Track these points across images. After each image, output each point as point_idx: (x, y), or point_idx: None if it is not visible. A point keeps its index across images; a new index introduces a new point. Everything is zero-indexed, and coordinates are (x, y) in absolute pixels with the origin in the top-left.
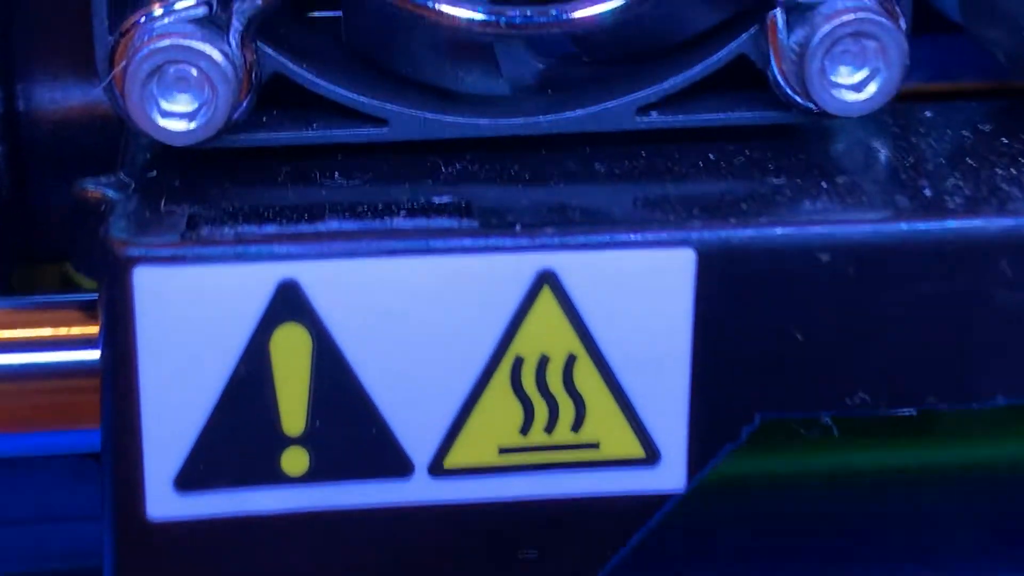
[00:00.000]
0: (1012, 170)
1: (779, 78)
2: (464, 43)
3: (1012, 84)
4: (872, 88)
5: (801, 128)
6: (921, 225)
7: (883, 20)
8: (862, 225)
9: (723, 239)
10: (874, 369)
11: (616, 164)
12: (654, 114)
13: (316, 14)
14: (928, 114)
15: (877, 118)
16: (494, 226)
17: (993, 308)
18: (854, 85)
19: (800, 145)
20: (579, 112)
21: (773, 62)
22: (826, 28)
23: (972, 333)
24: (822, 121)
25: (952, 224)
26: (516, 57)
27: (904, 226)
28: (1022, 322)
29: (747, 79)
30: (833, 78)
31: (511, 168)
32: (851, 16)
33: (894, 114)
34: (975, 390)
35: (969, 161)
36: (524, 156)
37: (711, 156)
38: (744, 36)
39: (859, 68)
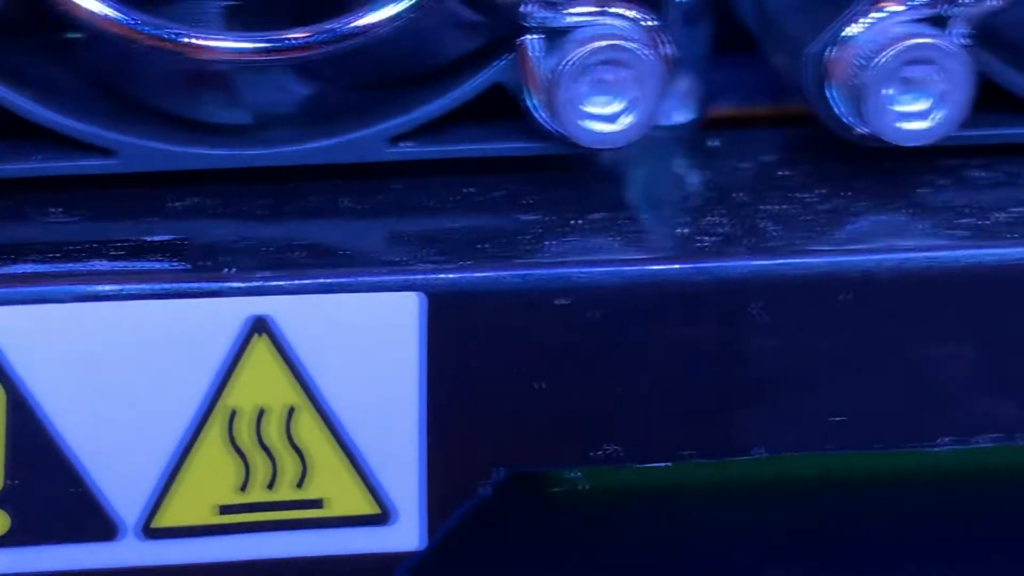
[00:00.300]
0: (779, 206)
1: (533, 107)
2: (208, 70)
3: (804, 109)
4: (627, 120)
5: (577, 159)
6: (665, 267)
7: (639, 48)
8: (603, 267)
9: (451, 282)
10: (624, 420)
11: (365, 199)
12: (407, 144)
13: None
14: (715, 143)
15: (665, 148)
16: (204, 268)
17: (747, 354)
18: (608, 116)
19: (567, 178)
20: (328, 142)
21: (528, 90)
22: (575, 55)
23: (728, 381)
24: (578, 153)
25: (699, 265)
26: (272, 84)
27: (649, 268)
28: (778, 369)
29: (512, 108)
30: (584, 107)
31: (248, 204)
32: (603, 43)
33: (681, 143)
34: (734, 442)
35: (738, 196)
36: (268, 190)
37: (469, 190)
38: (499, 63)
39: (615, 98)
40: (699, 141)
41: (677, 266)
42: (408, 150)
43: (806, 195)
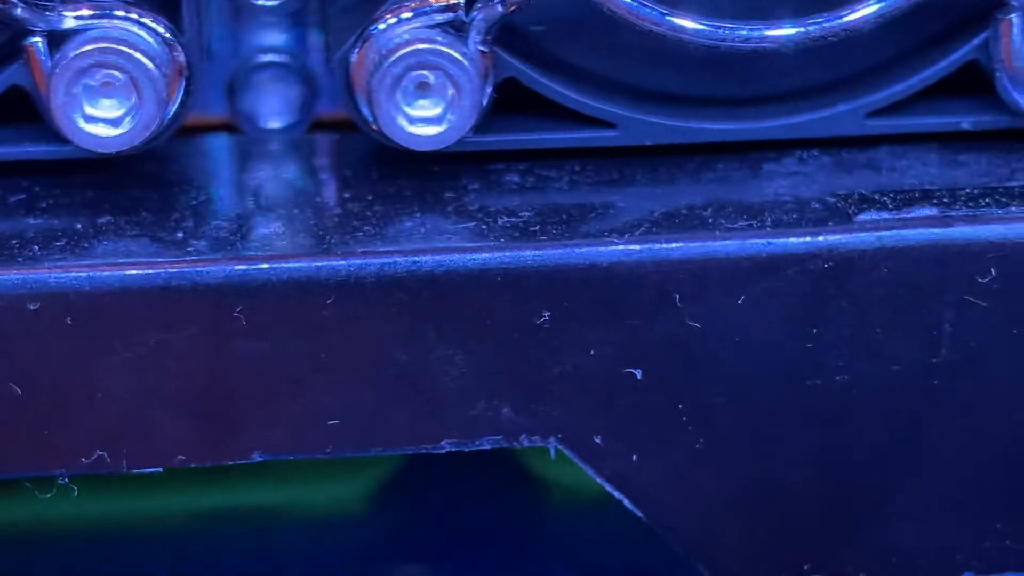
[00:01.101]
0: (293, 210)
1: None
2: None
3: None
4: (128, 124)
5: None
6: (146, 271)
7: (139, 55)
8: (73, 272)
9: None
10: (110, 427)
11: None
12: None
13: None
14: (275, 147)
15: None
16: None
17: (236, 359)
18: (111, 120)
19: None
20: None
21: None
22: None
23: (219, 386)
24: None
25: (184, 271)
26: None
27: (129, 273)
28: (268, 374)
29: None
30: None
31: None
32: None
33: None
34: (230, 446)
35: (254, 201)
36: None
37: None
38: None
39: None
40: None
41: (160, 271)
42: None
43: (328, 200)
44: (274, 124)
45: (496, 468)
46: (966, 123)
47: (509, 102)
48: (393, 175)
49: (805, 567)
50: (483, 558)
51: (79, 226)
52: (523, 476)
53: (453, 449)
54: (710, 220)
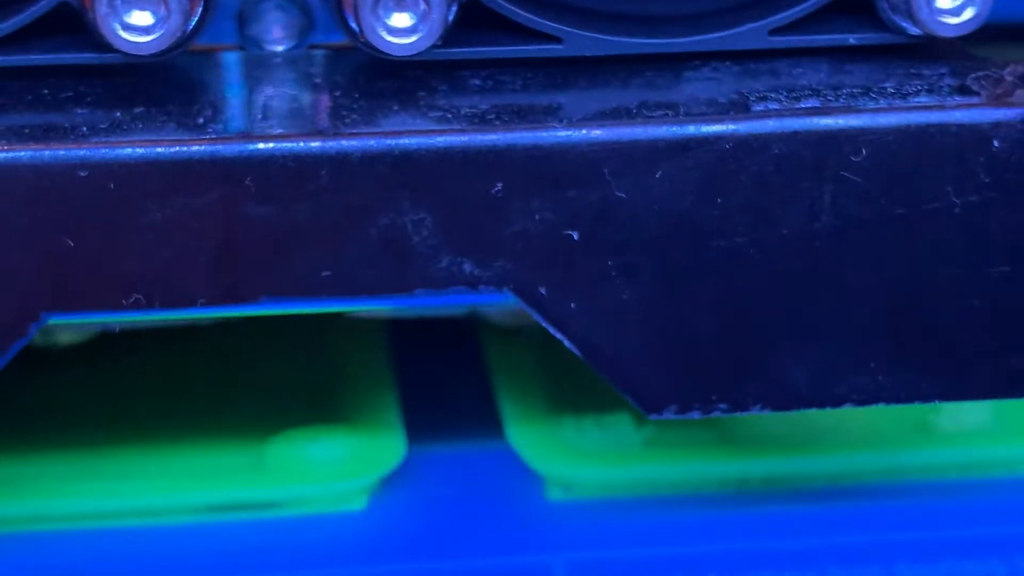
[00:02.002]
0: (293, 104)
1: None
2: None
3: None
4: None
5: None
6: (180, 149)
7: None
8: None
9: None
10: (145, 274)
11: None
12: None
13: None
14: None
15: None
16: None
17: (247, 221)
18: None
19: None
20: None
21: None
22: None
23: (233, 242)
24: None
25: (202, 148)
26: None
27: (168, 150)
28: (274, 233)
29: None
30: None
31: None
32: None
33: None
34: (242, 293)
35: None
36: None
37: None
38: None
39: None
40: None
41: (185, 148)
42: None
43: (322, 97)
44: (277, 48)
45: (496, 466)
46: (853, 39)
47: (474, 20)
48: (376, 80)
49: (712, 397)
50: (483, 555)
51: (118, 114)
52: (523, 474)
53: (425, 297)
54: (635, 112)
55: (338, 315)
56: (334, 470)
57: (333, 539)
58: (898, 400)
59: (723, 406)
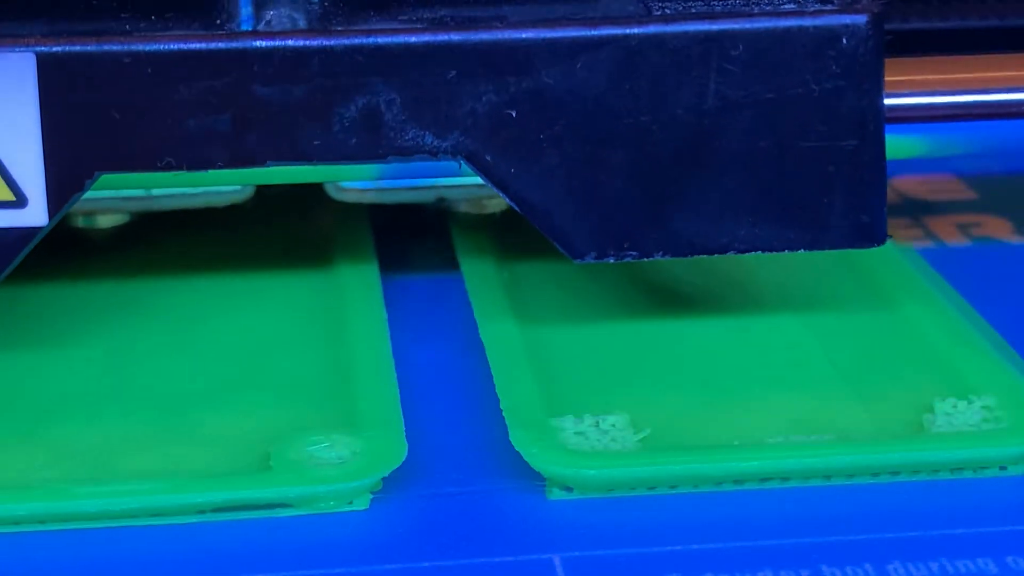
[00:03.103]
0: None
1: None
2: None
3: None
4: None
5: None
6: None
7: None
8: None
9: None
10: (175, 141)
11: None
12: None
13: None
14: None
15: None
16: None
17: (261, 98)
18: None
19: None
20: None
21: None
22: None
23: (247, 119)
24: None
25: None
26: None
27: None
28: (279, 110)
29: None
30: None
31: None
32: None
33: None
34: (253, 156)
35: None
36: None
37: None
38: None
39: None
40: None
41: (209, 42)
42: None
43: (314, 5)
44: None
45: (497, 466)
46: None
47: None
48: None
49: (624, 245)
50: (485, 554)
51: (153, 18)
52: (524, 474)
53: (395, 161)
54: (561, 18)
55: (328, 200)
56: (337, 470)
57: (336, 538)
58: (771, 248)
59: (633, 253)
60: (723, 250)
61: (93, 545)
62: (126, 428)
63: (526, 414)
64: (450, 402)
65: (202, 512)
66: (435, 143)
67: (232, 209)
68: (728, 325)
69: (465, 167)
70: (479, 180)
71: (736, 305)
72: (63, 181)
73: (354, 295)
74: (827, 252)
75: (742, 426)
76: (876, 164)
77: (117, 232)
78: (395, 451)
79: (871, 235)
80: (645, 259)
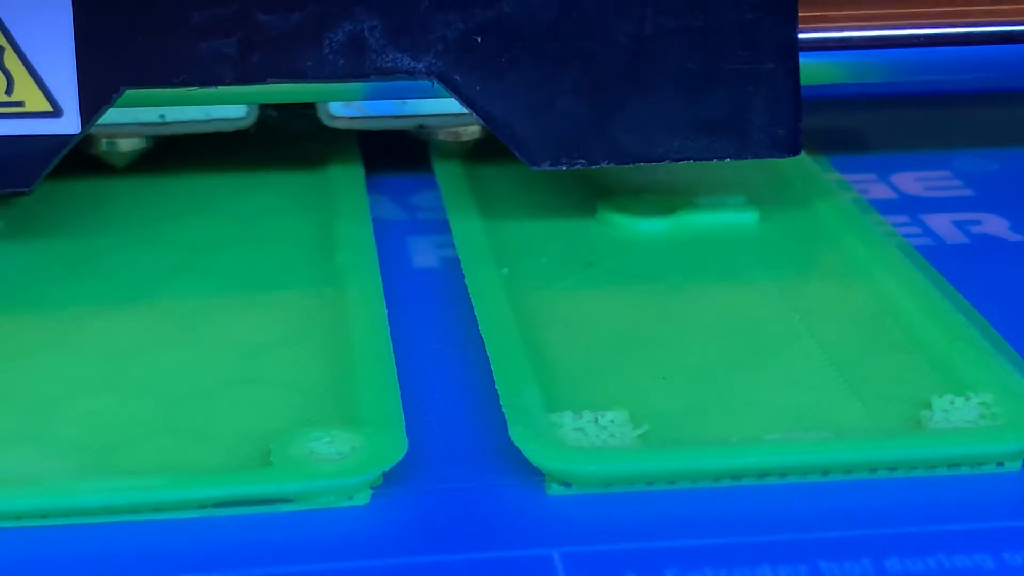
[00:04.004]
0: None
1: None
2: None
3: None
4: None
5: None
6: None
7: None
8: None
9: None
10: (190, 61)
11: None
12: None
13: None
14: None
15: None
16: None
17: (264, 24)
18: None
19: None
20: None
21: None
22: None
23: (251, 42)
24: None
25: None
26: None
27: None
28: (284, 33)
29: None
30: None
31: None
32: None
33: None
34: (257, 73)
35: None
36: None
37: None
38: None
39: None
40: None
41: None
42: None
43: None
44: None
45: (496, 461)
46: None
47: None
48: None
49: (574, 154)
50: (484, 549)
51: None
52: (523, 469)
53: (377, 80)
54: None
55: (322, 128)
56: (338, 466)
57: (336, 533)
58: (701, 157)
59: (582, 161)
60: (660, 159)
61: (95, 540)
62: (127, 423)
63: (525, 410)
64: (450, 398)
65: (203, 507)
66: (411, 64)
67: (237, 135)
68: (727, 323)
69: (438, 87)
70: (455, 110)
71: (736, 304)
72: (94, 95)
73: (345, 225)
74: (826, 252)
75: (740, 422)
76: (791, 85)
77: (136, 157)
78: (395, 447)
79: (786, 146)
80: (593, 167)
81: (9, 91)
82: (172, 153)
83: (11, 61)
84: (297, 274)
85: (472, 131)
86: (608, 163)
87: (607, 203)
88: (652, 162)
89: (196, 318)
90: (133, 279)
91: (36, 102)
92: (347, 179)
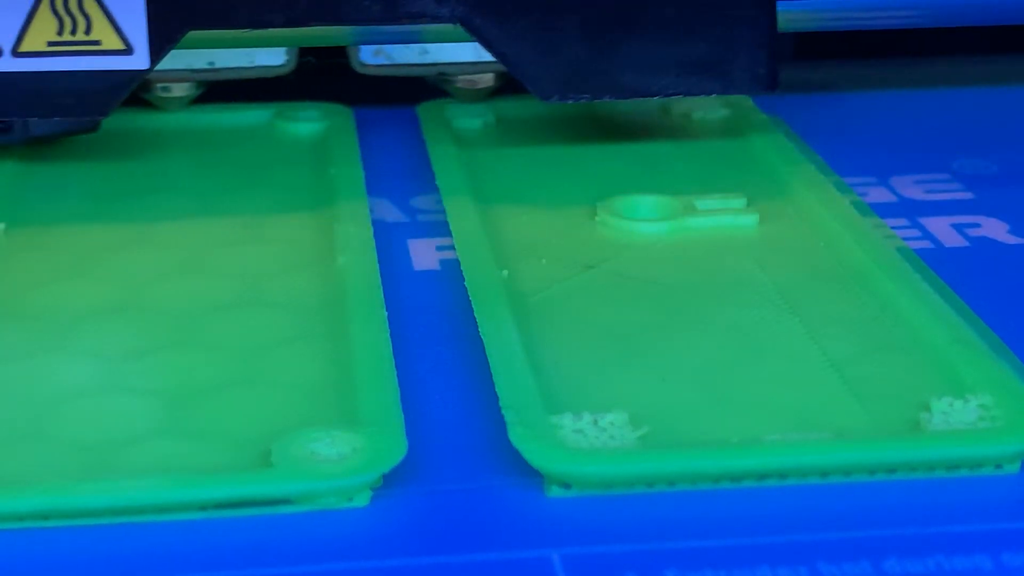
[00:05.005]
0: None
1: None
2: None
3: None
4: None
5: None
6: None
7: None
8: None
9: None
10: (243, 8)
11: None
12: None
13: None
14: None
15: None
16: None
17: None
18: None
19: None
20: None
21: None
22: None
23: None
24: None
25: None
26: None
27: None
28: None
29: None
30: None
31: None
32: None
33: None
34: (301, 19)
35: None
36: None
37: None
38: None
39: None
40: None
41: None
42: None
43: None
44: None
45: (496, 463)
46: None
47: None
48: None
49: (580, 88)
50: (484, 550)
51: None
52: (522, 471)
53: (408, 24)
54: None
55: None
56: (338, 467)
57: (337, 534)
58: (690, 93)
59: (586, 96)
60: (655, 94)
61: (95, 541)
62: (128, 424)
63: (525, 411)
64: (450, 399)
65: (203, 508)
66: (436, 10)
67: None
68: (727, 324)
69: (460, 30)
70: (472, 59)
71: (735, 306)
72: (161, 35)
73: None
74: (826, 255)
75: (740, 424)
76: (769, 29)
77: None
78: (395, 448)
79: (765, 82)
80: (596, 100)
81: (88, 31)
82: (172, 152)
83: (90, 5)
84: (297, 275)
85: (487, 79)
86: (609, 97)
87: (607, 205)
88: (647, 96)
89: (196, 318)
90: (132, 279)
91: (111, 41)
92: (347, 181)
